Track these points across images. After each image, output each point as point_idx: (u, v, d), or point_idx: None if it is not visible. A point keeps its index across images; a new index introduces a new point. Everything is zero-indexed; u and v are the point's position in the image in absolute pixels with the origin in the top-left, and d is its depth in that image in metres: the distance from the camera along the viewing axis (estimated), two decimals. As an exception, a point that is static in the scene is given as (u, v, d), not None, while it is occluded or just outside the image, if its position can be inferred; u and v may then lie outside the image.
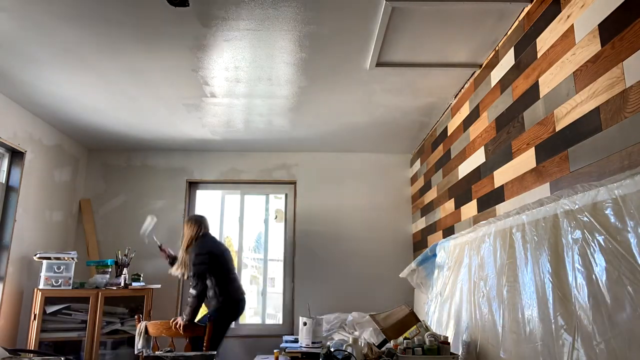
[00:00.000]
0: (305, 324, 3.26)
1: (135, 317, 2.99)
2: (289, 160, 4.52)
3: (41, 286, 3.41)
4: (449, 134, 3.31)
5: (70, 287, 3.51)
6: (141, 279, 3.76)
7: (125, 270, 3.78)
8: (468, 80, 2.90)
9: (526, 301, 1.90)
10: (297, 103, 3.32)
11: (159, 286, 3.91)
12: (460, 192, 3.02)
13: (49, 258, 3.47)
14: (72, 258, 3.56)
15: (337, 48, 2.53)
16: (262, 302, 4.42)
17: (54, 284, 3.46)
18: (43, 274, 3.44)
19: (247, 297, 3.55)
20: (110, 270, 3.77)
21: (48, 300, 3.43)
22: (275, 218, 4.62)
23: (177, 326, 3.01)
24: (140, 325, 2.84)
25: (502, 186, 2.37)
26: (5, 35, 2.41)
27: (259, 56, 2.62)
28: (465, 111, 2.96)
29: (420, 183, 4.13)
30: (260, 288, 4.51)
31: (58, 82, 2.97)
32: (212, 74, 2.84)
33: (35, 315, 3.32)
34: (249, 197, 4.58)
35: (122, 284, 3.67)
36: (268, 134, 4.02)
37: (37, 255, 3.45)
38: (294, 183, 4.51)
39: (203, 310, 3.38)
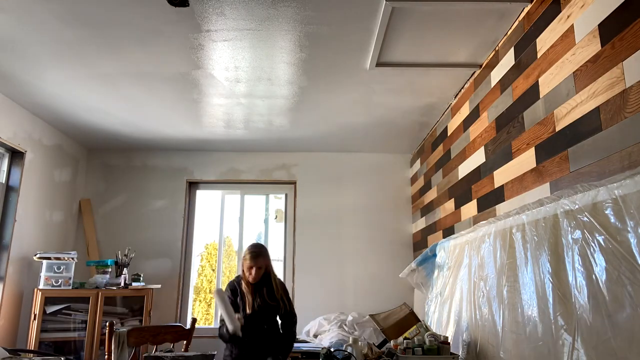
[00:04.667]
0: None
1: (107, 323, 2.50)
2: (289, 160, 4.52)
3: (41, 286, 3.41)
4: (449, 134, 3.31)
5: (70, 287, 3.50)
6: (141, 279, 3.76)
7: (125, 271, 3.78)
8: (468, 80, 2.90)
9: (526, 301, 1.90)
10: (297, 103, 3.32)
11: (159, 286, 3.92)
12: (460, 192, 3.02)
13: (49, 258, 3.47)
14: (72, 258, 3.56)
15: (337, 48, 2.53)
16: (262, 302, 4.41)
17: (54, 284, 3.45)
18: (43, 274, 3.43)
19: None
20: (110, 270, 3.76)
21: (48, 300, 3.43)
22: (275, 218, 4.62)
23: None
24: (120, 335, 2.38)
25: (502, 186, 2.37)
26: (5, 35, 2.41)
27: (259, 56, 2.62)
28: (465, 111, 2.96)
29: (420, 183, 4.13)
30: (260, 288, 4.50)
31: (58, 82, 2.97)
32: (212, 74, 2.84)
33: (35, 315, 3.32)
34: (249, 197, 4.58)
35: (122, 284, 3.67)
36: (268, 134, 4.02)
37: (37, 255, 3.45)
38: (294, 183, 4.51)
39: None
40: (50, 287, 3.43)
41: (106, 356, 2.49)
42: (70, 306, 3.53)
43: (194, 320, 2.79)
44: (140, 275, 3.77)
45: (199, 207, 4.54)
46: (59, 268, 3.48)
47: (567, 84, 1.77)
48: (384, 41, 2.43)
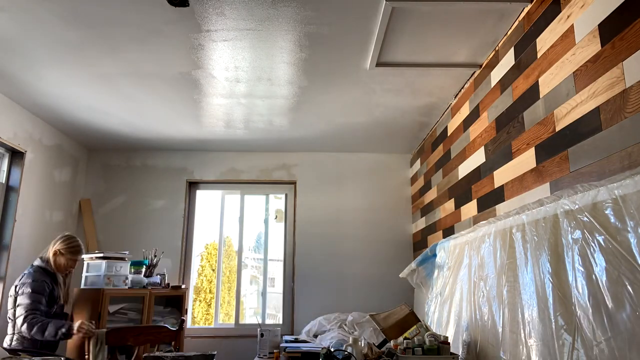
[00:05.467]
0: (262, 334, 3.28)
1: (92, 322, 2.47)
2: (289, 160, 4.52)
3: (102, 285, 3.31)
4: (449, 134, 3.31)
5: (127, 287, 3.46)
6: (166, 279, 3.83)
7: (155, 271, 3.81)
8: (468, 80, 2.90)
9: (526, 301, 1.90)
10: (297, 103, 3.32)
11: (184, 286, 3.97)
12: (460, 192, 3.02)
13: (109, 258, 3.39)
14: (126, 258, 3.52)
15: (337, 48, 2.53)
16: (262, 302, 4.42)
17: (115, 283, 3.37)
18: (103, 273, 3.34)
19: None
20: (142, 270, 3.76)
21: (113, 300, 3.37)
22: (275, 218, 4.62)
23: None
24: (99, 335, 2.32)
25: (502, 186, 2.37)
26: (5, 35, 2.41)
27: (259, 56, 2.62)
28: (465, 111, 2.96)
29: (420, 183, 4.13)
30: (260, 288, 4.51)
31: (58, 82, 2.97)
32: (212, 74, 2.84)
33: (99, 315, 3.23)
34: (249, 197, 4.58)
35: (163, 284, 3.73)
36: (268, 134, 4.02)
37: (96, 255, 3.38)
38: (294, 183, 4.51)
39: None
40: (112, 287, 3.35)
41: (86, 356, 2.45)
42: (125, 306, 3.49)
43: (182, 322, 2.71)
44: (165, 275, 3.83)
45: (199, 207, 4.54)
46: (118, 268, 3.43)
47: (567, 84, 1.77)
48: (384, 41, 2.43)
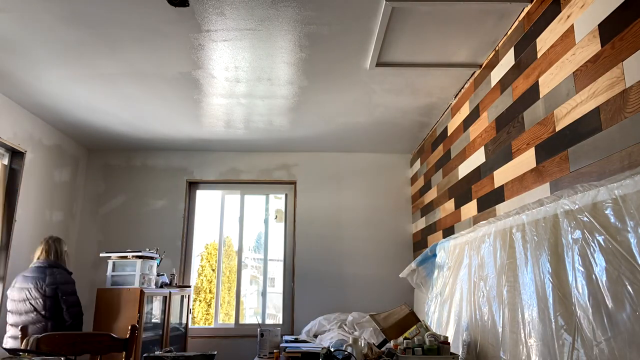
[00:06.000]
0: (262, 334, 3.29)
1: (20, 327, 2.25)
2: (289, 160, 4.52)
3: (136, 285, 3.28)
4: (449, 134, 3.31)
5: (156, 286, 3.46)
6: (175, 279, 3.88)
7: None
8: (468, 80, 2.90)
9: (526, 301, 1.90)
10: (297, 103, 3.32)
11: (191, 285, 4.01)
12: (460, 192, 3.02)
13: (142, 257, 3.37)
14: (154, 257, 3.52)
15: (337, 48, 2.53)
16: (262, 302, 4.42)
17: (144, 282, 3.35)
18: (138, 272, 3.30)
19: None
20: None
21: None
22: (275, 218, 4.62)
23: None
24: (31, 343, 2.08)
25: (502, 186, 2.37)
26: (5, 35, 2.41)
27: (259, 56, 2.62)
28: (465, 111, 2.96)
29: (420, 183, 4.13)
30: (260, 288, 4.51)
31: (58, 82, 2.97)
32: (212, 74, 2.84)
33: (139, 315, 3.21)
34: (249, 197, 4.58)
35: (174, 284, 3.74)
36: (268, 134, 4.02)
37: (131, 255, 3.34)
38: (294, 183, 4.51)
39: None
40: (146, 286, 3.33)
41: None
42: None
43: (134, 328, 2.24)
44: (174, 276, 3.89)
45: (199, 207, 4.54)
46: (149, 268, 3.41)
47: (567, 84, 1.77)
48: (384, 41, 2.43)
